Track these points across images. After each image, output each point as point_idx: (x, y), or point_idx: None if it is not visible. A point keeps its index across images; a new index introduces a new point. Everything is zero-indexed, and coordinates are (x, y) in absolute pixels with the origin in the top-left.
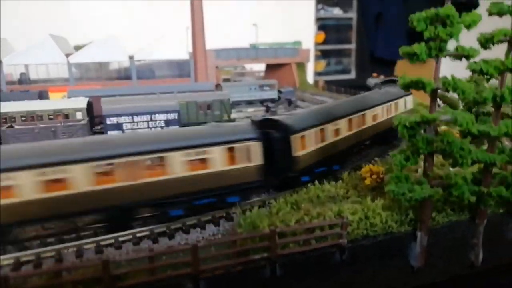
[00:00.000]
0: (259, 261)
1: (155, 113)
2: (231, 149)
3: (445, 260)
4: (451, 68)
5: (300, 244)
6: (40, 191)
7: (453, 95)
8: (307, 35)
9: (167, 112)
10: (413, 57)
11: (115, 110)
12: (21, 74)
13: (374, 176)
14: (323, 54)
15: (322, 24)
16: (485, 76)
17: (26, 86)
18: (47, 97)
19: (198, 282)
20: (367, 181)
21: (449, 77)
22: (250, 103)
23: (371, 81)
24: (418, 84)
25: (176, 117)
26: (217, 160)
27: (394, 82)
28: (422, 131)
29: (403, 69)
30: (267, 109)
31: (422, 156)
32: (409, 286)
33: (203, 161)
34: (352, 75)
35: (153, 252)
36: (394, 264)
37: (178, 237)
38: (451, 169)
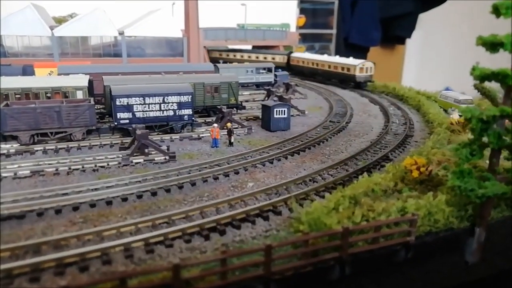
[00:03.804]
0: (329, 261)
1: (167, 95)
2: None
3: (495, 255)
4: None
5: (368, 242)
6: None
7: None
8: (289, 19)
9: (180, 94)
10: (496, 47)
11: (125, 90)
12: None
13: (423, 169)
14: (303, 38)
15: (304, 8)
16: None
17: (6, 59)
18: (31, 73)
19: (269, 284)
20: (415, 174)
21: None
22: (246, 86)
23: None
24: (498, 76)
25: (190, 100)
26: None
27: None
28: (494, 126)
29: (375, 56)
30: (269, 94)
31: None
32: (462, 282)
33: None
34: None
35: (226, 254)
36: (451, 260)
37: (230, 233)
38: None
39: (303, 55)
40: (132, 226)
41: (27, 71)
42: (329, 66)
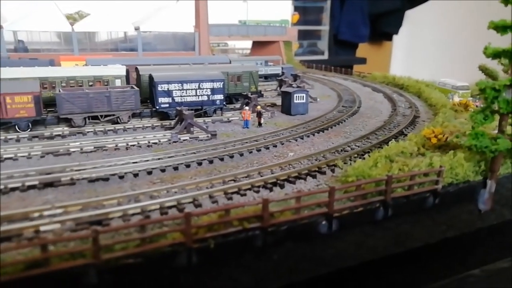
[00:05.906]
0: (375, 203)
1: (202, 81)
2: None
3: (502, 206)
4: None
5: (405, 189)
6: None
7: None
8: (285, 16)
9: (213, 81)
10: (506, 29)
11: (166, 77)
12: (19, 41)
13: (441, 136)
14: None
15: (297, 6)
16: None
17: (28, 54)
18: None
19: (331, 221)
20: (433, 141)
21: None
22: None
23: None
24: (507, 53)
25: (222, 86)
26: None
27: None
28: (504, 94)
29: (364, 52)
30: (281, 84)
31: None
32: (476, 227)
33: None
34: (325, 56)
35: (300, 193)
36: (467, 208)
37: (289, 187)
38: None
39: None
40: (207, 182)
41: (52, 64)
42: None
